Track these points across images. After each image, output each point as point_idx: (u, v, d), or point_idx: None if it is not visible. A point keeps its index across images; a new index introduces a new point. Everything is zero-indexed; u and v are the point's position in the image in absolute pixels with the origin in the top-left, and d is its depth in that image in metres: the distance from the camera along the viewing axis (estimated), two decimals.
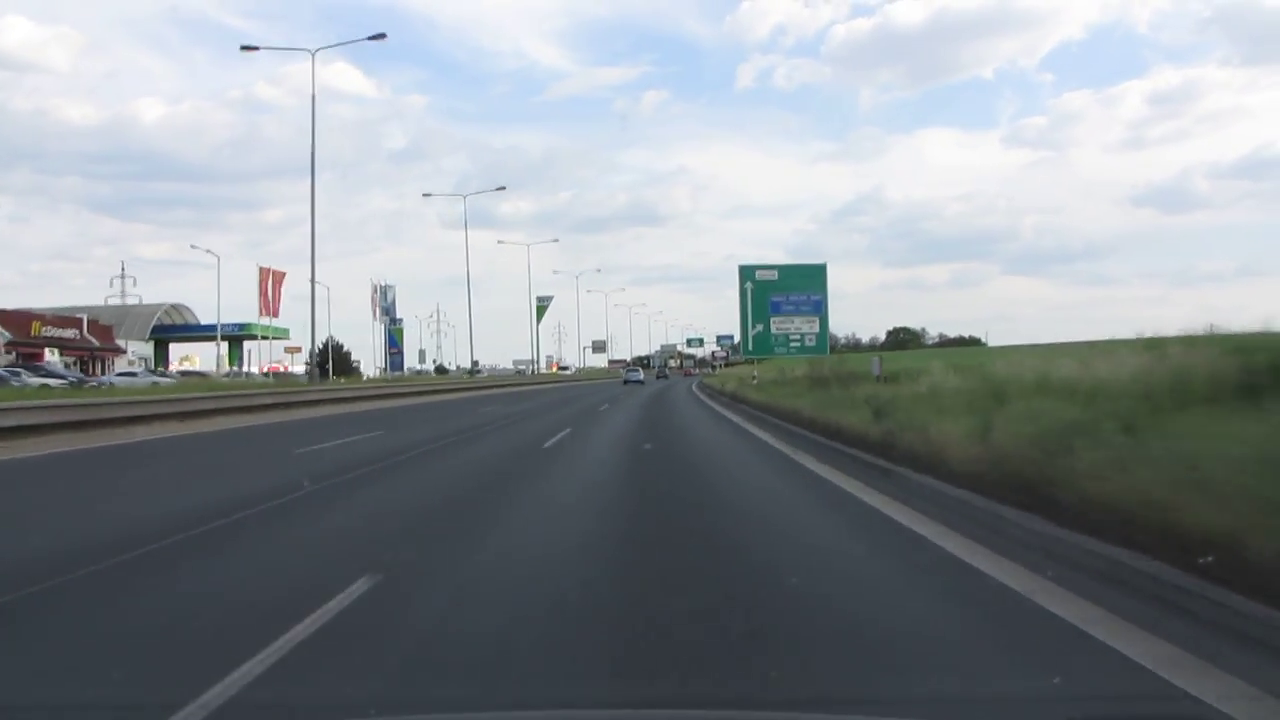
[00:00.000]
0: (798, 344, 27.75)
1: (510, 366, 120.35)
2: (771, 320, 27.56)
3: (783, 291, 27.90)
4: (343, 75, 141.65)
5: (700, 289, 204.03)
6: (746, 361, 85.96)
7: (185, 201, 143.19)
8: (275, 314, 64.07)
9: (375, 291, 75.89)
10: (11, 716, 3.22)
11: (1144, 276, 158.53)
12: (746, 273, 28.49)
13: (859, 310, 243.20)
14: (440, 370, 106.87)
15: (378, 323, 76.51)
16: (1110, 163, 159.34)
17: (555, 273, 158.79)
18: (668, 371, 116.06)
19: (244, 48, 37.53)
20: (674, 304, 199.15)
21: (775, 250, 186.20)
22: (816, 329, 27.92)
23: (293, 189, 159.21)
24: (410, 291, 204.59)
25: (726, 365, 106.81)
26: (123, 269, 79.00)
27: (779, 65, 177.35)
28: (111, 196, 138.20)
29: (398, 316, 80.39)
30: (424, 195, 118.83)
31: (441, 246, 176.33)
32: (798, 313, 27.71)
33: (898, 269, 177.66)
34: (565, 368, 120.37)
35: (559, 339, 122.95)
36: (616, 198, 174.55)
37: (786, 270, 29.17)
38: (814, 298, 28.22)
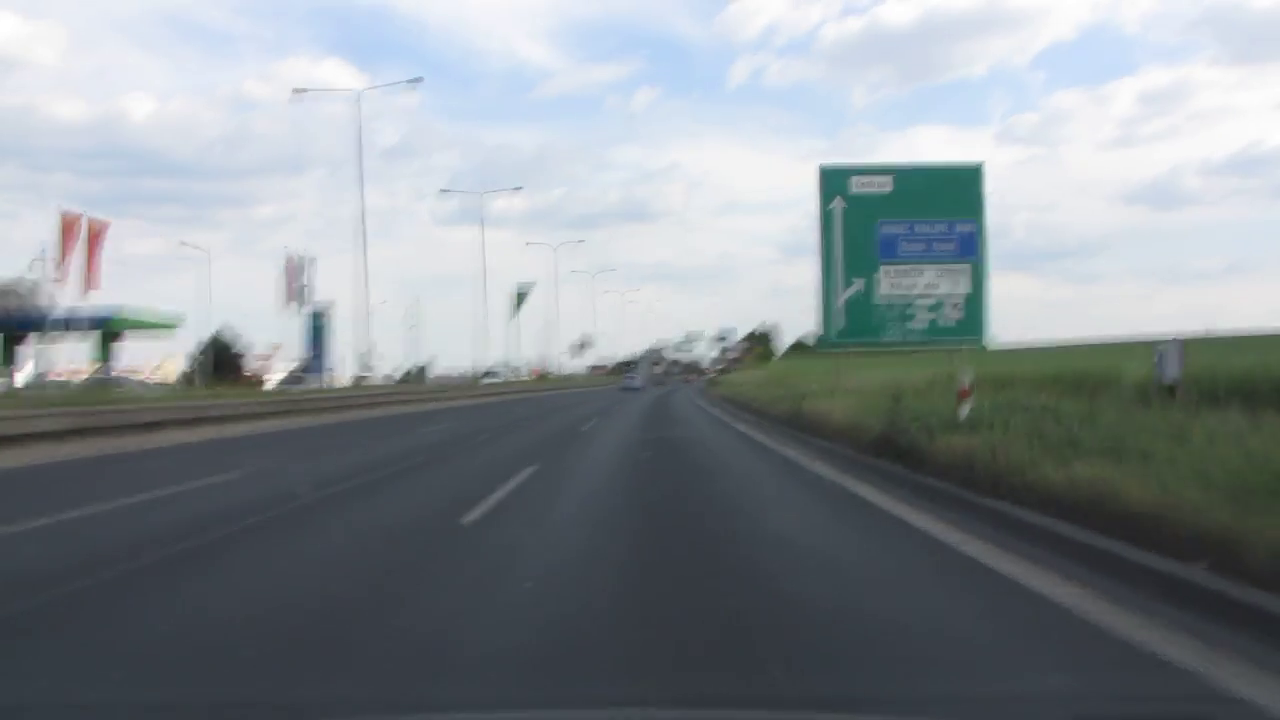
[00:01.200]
0: (928, 320, 12.01)
1: (484, 370, 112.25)
2: (882, 270, 12.09)
3: (903, 217, 12.12)
4: (334, 72, 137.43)
5: (693, 287, 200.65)
6: (758, 361, 70.99)
7: (175, 198, 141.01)
8: (94, 286, 38.77)
9: (289, 266, 50.32)
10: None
11: (1135, 274, 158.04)
12: (833, 180, 12.31)
13: None
14: (413, 376, 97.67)
15: (300, 309, 51.93)
16: (1101, 160, 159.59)
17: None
18: (636, 378, 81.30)
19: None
20: (665, 303, 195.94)
21: (768, 248, 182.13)
22: (964, 288, 12.10)
23: (285, 185, 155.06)
24: (401, 289, 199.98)
25: (722, 371, 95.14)
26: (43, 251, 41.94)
27: (770, 64, 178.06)
28: (101, 193, 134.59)
29: (323, 302, 56.14)
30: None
31: (435, 244, 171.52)
32: (930, 256, 12.11)
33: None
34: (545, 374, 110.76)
35: (545, 342, 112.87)
36: (608, 195, 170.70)
37: (910, 176, 12.61)
38: (962, 228, 12.16)
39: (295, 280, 50.50)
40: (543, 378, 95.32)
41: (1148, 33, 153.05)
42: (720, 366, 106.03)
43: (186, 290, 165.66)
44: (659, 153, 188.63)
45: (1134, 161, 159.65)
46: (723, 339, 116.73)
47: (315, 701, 3.41)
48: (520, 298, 68.71)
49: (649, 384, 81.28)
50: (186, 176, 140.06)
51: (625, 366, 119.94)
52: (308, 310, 53.22)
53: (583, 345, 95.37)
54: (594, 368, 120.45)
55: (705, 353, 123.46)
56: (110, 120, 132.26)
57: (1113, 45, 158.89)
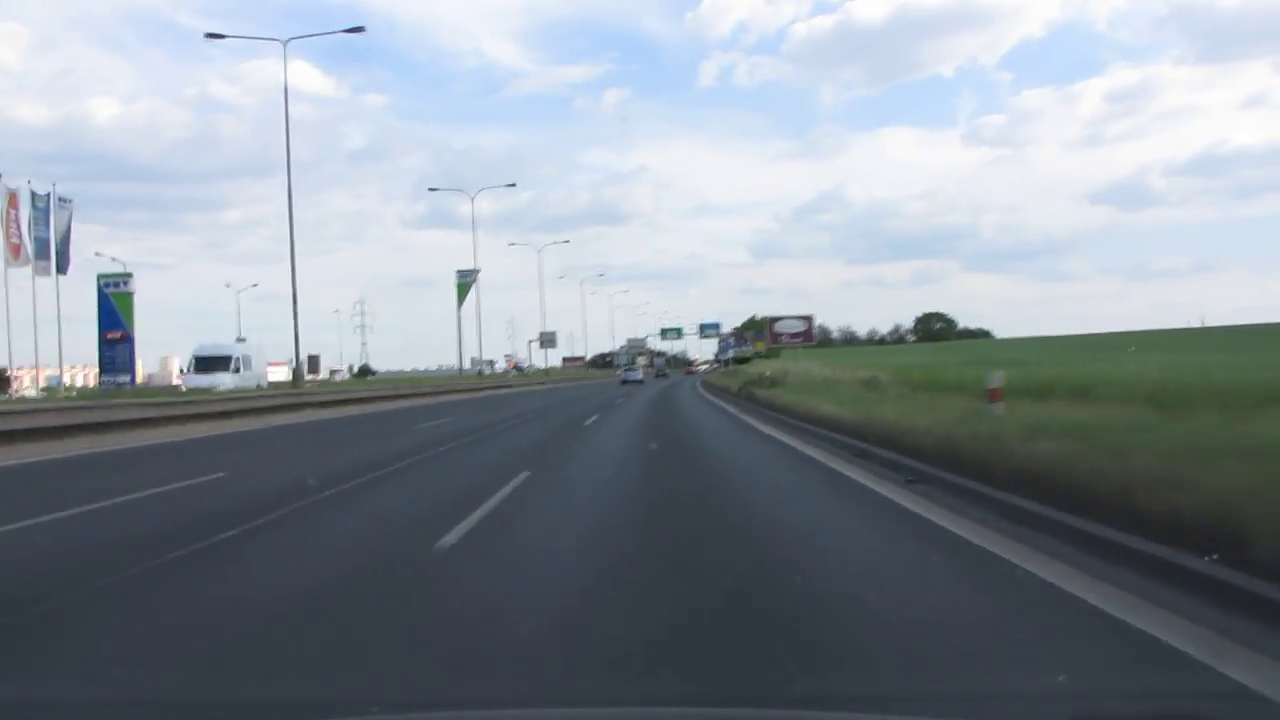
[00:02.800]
0: None
1: (453, 367, 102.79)
2: None
3: None
4: (301, 74, 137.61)
5: (662, 288, 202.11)
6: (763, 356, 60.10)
7: (140, 202, 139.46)
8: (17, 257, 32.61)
9: (8, 209, 31.93)
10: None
11: (1102, 272, 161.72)
12: None
13: (822, 308, 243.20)
14: (363, 372, 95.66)
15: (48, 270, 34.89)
16: (1069, 160, 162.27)
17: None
18: (637, 371, 76.69)
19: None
20: (638, 301, 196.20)
21: (737, 249, 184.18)
22: None
23: (252, 189, 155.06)
24: (375, 292, 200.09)
25: (733, 363, 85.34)
26: None
27: (740, 63, 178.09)
28: (64, 197, 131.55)
29: (121, 274, 41.38)
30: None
31: (402, 247, 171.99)
32: None
33: (860, 266, 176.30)
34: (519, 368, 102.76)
35: (512, 337, 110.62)
36: (578, 197, 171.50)
37: None
38: None
39: (15, 229, 31.58)
40: (521, 372, 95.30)
41: (1116, 31, 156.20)
42: (725, 358, 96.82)
43: (155, 295, 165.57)
44: (628, 155, 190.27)
45: (1100, 162, 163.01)
46: (711, 327, 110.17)
47: None
48: (464, 289, 60.25)
49: (649, 377, 77.16)
50: (152, 180, 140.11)
51: (603, 360, 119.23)
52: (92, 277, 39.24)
53: (544, 341, 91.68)
54: (568, 360, 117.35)
55: (695, 346, 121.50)
56: (73, 122, 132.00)
57: (1081, 44, 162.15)
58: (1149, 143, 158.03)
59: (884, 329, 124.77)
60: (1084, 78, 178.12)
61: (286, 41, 33.42)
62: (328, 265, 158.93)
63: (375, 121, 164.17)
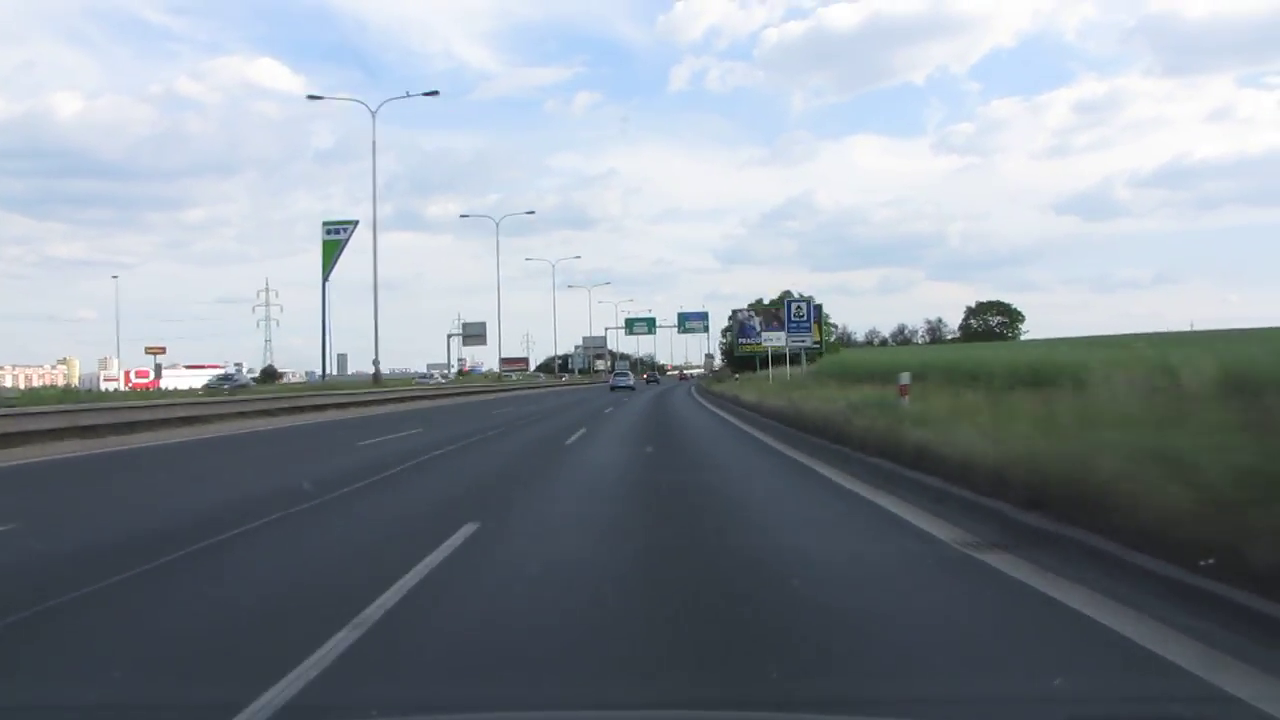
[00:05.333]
0: None
1: (428, 371, 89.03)
2: None
3: None
4: (269, 72, 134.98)
5: (628, 292, 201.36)
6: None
7: (103, 200, 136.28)
8: None
9: None
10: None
11: (1066, 282, 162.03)
12: None
13: None
14: (267, 376, 77.67)
15: None
16: (1035, 170, 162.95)
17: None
18: (628, 375, 66.17)
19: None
20: (599, 301, 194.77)
21: (704, 255, 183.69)
22: None
23: (216, 188, 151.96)
24: (332, 295, 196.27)
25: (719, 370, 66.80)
26: None
27: (711, 68, 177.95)
28: (24, 193, 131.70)
29: None
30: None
31: (366, 249, 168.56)
32: None
33: (826, 273, 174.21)
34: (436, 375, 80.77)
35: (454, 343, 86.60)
36: (546, 200, 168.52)
37: None
38: None
39: None
40: (466, 375, 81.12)
41: (1085, 41, 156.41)
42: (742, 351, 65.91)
43: (111, 294, 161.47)
44: (597, 158, 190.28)
45: (1067, 172, 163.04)
46: (695, 316, 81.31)
47: None
48: (331, 249, 46.16)
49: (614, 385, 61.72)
50: (115, 177, 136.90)
51: (561, 362, 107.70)
52: None
53: (468, 336, 69.08)
54: (508, 361, 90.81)
55: (670, 348, 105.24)
56: (35, 118, 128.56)
57: (1051, 54, 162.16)
58: (1115, 154, 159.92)
59: (859, 335, 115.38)
60: (1052, 88, 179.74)
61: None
62: (296, 266, 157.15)
63: (343, 121, 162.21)
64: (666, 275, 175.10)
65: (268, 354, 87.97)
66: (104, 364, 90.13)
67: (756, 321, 54.91)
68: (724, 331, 76.30)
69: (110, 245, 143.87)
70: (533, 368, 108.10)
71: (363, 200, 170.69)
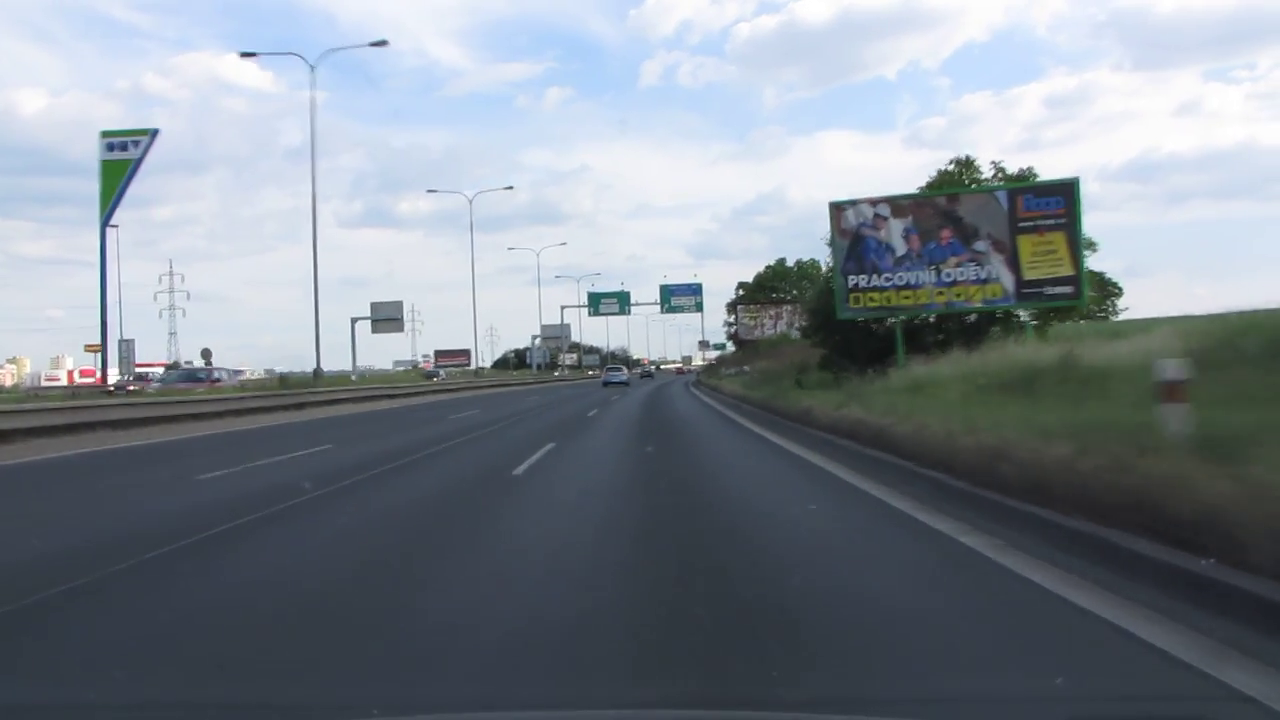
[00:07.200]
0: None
1: (389, 368, 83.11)
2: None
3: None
4: (238, 68, 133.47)
5: (601, 288, 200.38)
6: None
7: (69, 198, 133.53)
8: None
9: None
10: None
11: None
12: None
13: None
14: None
15: None
16: (1006, 164, 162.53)
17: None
18: (621, 371, 57.92)
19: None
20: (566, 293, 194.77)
21: (677, 250, 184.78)
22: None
23: (184, 185, 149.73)
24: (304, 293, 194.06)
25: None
26: None
27: (683, 63, 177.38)
28: None
29: None
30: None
31: (336, 247, 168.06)
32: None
33: None
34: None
35: (413, 335, 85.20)
36: (518, 196, 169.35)
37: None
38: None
39: None
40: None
41: (1056, 35, 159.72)
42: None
43: (84, 292, 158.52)
44: (569, 155, 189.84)
45: (1037, 165, 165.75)
46: (684, 289, 65.19)
47: None
48: (113, 172, 32.77)
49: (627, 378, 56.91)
50: (82, 175, 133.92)
51: (518, 356, 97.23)
52: None
53: (377, 322, 51.02)
54: (444, 354, 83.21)
55: (646, 338, 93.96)
56: None
57: (1022, 48, 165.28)
58: (1085, 148, 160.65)
59: None
60: (1024, 82, 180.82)
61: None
62: (266, 264, 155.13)
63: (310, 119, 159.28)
64: (640, 270, 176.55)
65: (173, 347, 70.10)
66: (56, 362, 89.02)
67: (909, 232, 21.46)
68: (729, 306, 61.72)
69: (79, 244, 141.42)
70: (489, 363, 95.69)
71: (332, 198, 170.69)
